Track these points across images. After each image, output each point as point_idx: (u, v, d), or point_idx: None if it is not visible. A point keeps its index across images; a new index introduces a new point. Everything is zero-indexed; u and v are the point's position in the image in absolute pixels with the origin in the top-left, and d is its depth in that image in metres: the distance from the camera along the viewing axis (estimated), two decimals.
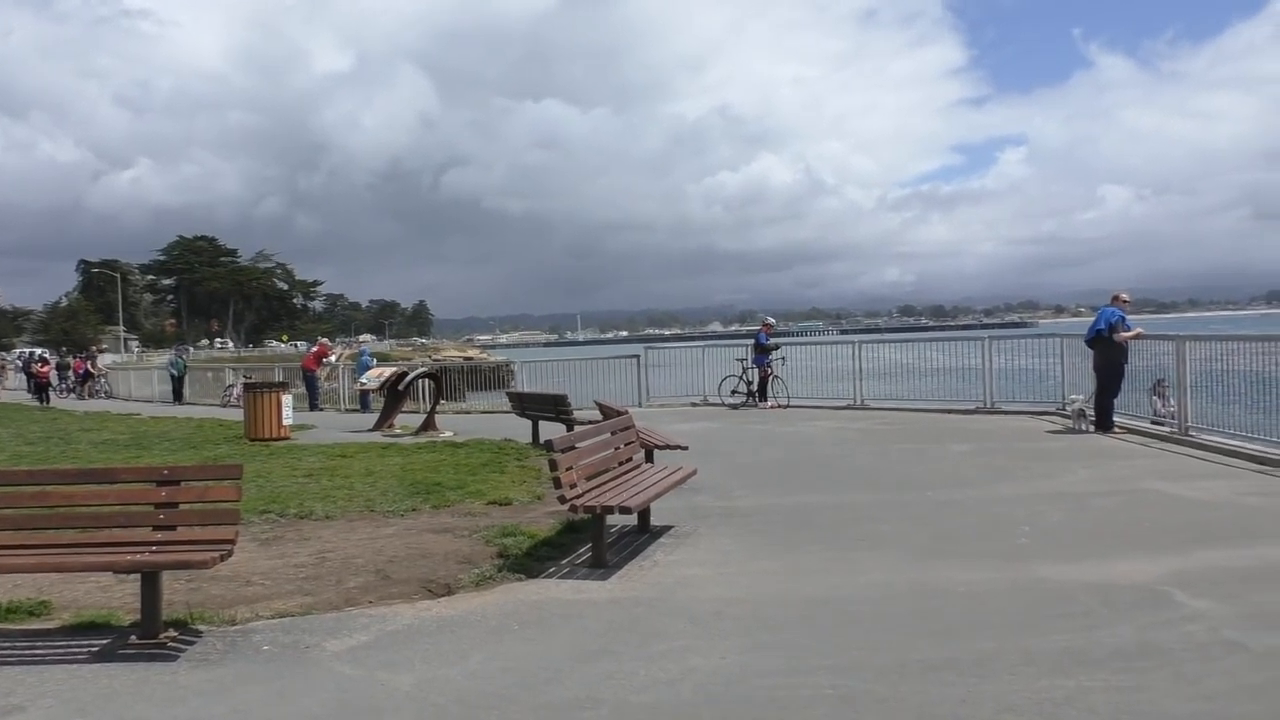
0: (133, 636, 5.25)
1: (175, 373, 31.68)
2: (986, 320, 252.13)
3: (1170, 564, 6.08)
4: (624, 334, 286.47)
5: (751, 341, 19.77)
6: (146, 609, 5.24)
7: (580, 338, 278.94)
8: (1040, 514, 7.70)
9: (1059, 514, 7.70)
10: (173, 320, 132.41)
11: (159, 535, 5.32)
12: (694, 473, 8.27)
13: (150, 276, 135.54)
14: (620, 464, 7.80)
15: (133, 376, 37.41)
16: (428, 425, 16.51)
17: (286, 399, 16.63)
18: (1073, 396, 13.71)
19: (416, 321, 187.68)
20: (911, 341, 20.10)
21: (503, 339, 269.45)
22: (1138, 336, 12.65)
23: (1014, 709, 4.02)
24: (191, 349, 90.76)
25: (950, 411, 16.16)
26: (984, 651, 4.66)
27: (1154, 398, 12.83)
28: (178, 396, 30.81)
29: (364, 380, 19.61)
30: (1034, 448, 11.69)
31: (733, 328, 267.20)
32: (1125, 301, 13.04)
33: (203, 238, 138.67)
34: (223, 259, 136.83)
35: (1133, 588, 5.62)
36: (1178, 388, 11.71)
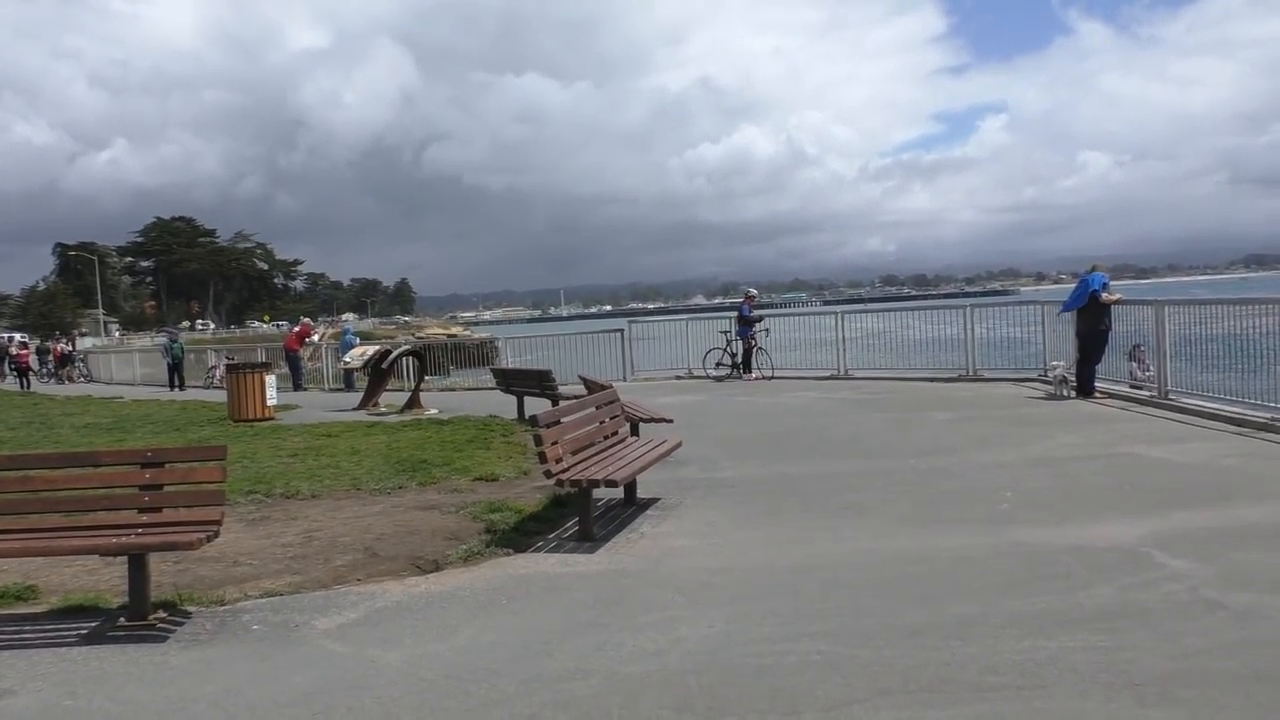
0: (121, 619, 5.25)
1: (171, 358, 28.47)
2: (968, 288, 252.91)
3: (1150, 526, 6.16)
4: (608, 308, 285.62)
5: (735, 314, 19.81)
6: (134, 591, 5.23)
7: (564, 313, 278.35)
8: (1022, 479, 7.77)
9: (1041, 479, 7.78)
10: (152, 302, 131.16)
11: (144, 518, 5.30)
12: (679, 445, 8.30)
13: (128, 259, 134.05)
14: (606, 438, 7.81)
15: (113, 360, 37.10)
16: (412, 403, 16.47)
17: (270, 379, 16.55)
18: (1054, 363, 13.81)
19: (399, 299, 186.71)
20: (894, 311, 20.19)
21: (486, 316, 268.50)
22: (1118, 301, 12.74)
23: (997, 670, 4.07)
24: (155, 334, 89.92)
25: (933, 380, 16.24)
26: (967, 615, 4.72)
27: (1131, 363, 12.95)
28: (176, 383, 27.99)
29: (347, 359, 19.52)
30: (1016, 414, 11.78)
31: (716, 300, 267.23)
32: (1105, 269, 13.16)
33: (181, 218, 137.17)
34: (201, 240, 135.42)
35: (1114, 549, 5.69)
36: (1157, 353, 11.82)
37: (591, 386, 10.79)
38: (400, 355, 18.72)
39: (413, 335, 67.04)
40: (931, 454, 9.21)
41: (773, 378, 18.38)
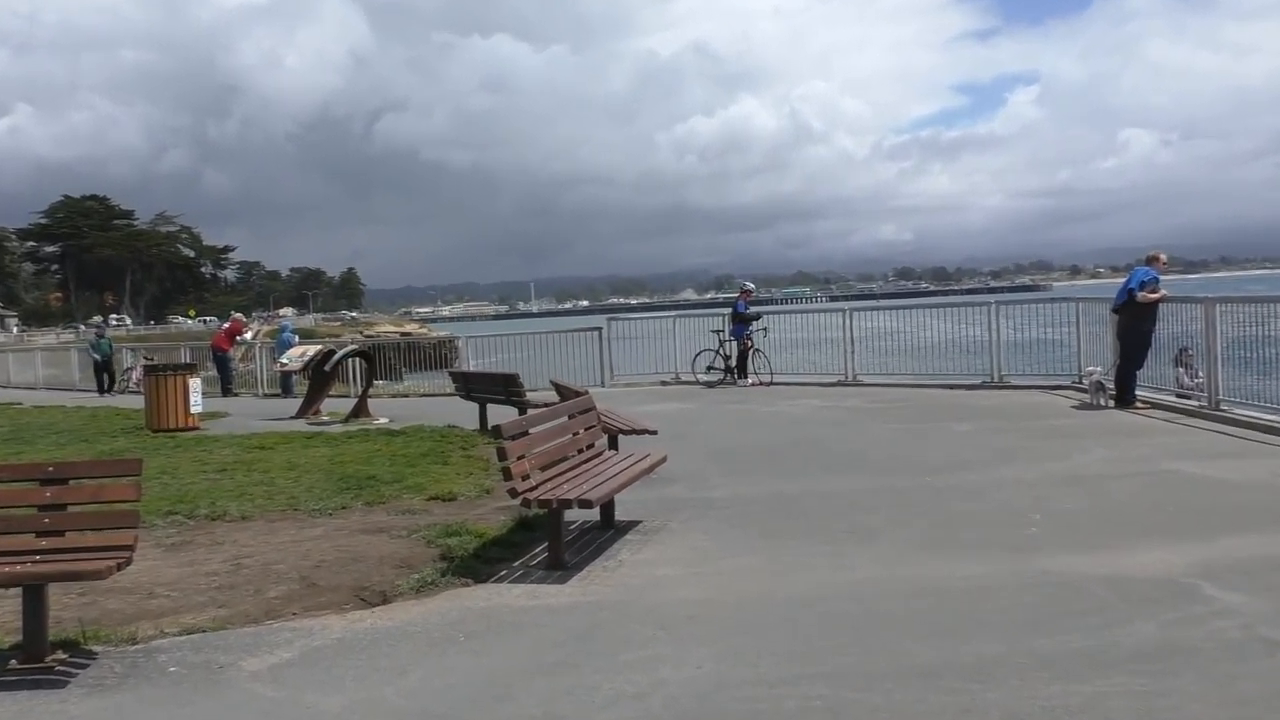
0: (13, 660, 5.18)
1: (98, 356, 27.59)
2: (994, 283, 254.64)
3: (1197, 554, 6.19)
4: (584, 304, 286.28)
5: (729, 311, 19.83)
6: (30, 628, 5.16)
7: (534, 309, 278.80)
8: (1051, 499, 7.81)
9: (1073, 499, 7.82)
10: (58, 294, 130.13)
11: (44, 542, 5.24)
12: (664, 460, 8.30)
13: (30, 243, 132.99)
14: (580, 451, 7.80)
15: (11, 360, 36.73)
16: (359, 411, 16.43)
17: (195, 383, 16.47)
18: (1090, 368, 13.91)
19: (345, 292, 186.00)
20: (909, 308, 20.20)
21: (445, 311, 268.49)
22: (1162, 299, 12.81)
23: (1022, 718, 4.08)
24: (84, 326, 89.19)
25: (953, 387, 16.33)
26: (988, 655, 4.73)
27: (1177, 369, 13.05)
28: (104, 386, 27.27)
29: (285, 360, 19.45)
30: (1046, 425, 11.85)
31: (708, 295, 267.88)
32: (1162, 262, 13.14)
33: (93, 197, 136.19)
34: (117, 222, 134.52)
35: (1154, 581, 5.72)
36: (1207, 357, 11.89)
37: (564, 393, 10.77)
38: (346, 356, 18.66)
39: (360, 333, 66.79)
40: (949, 470, 9.25)
41: (772, 383, 18.43)
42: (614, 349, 20.66)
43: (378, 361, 21.30)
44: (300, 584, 6.41)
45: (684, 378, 19.83)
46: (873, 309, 20.89)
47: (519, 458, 6.66)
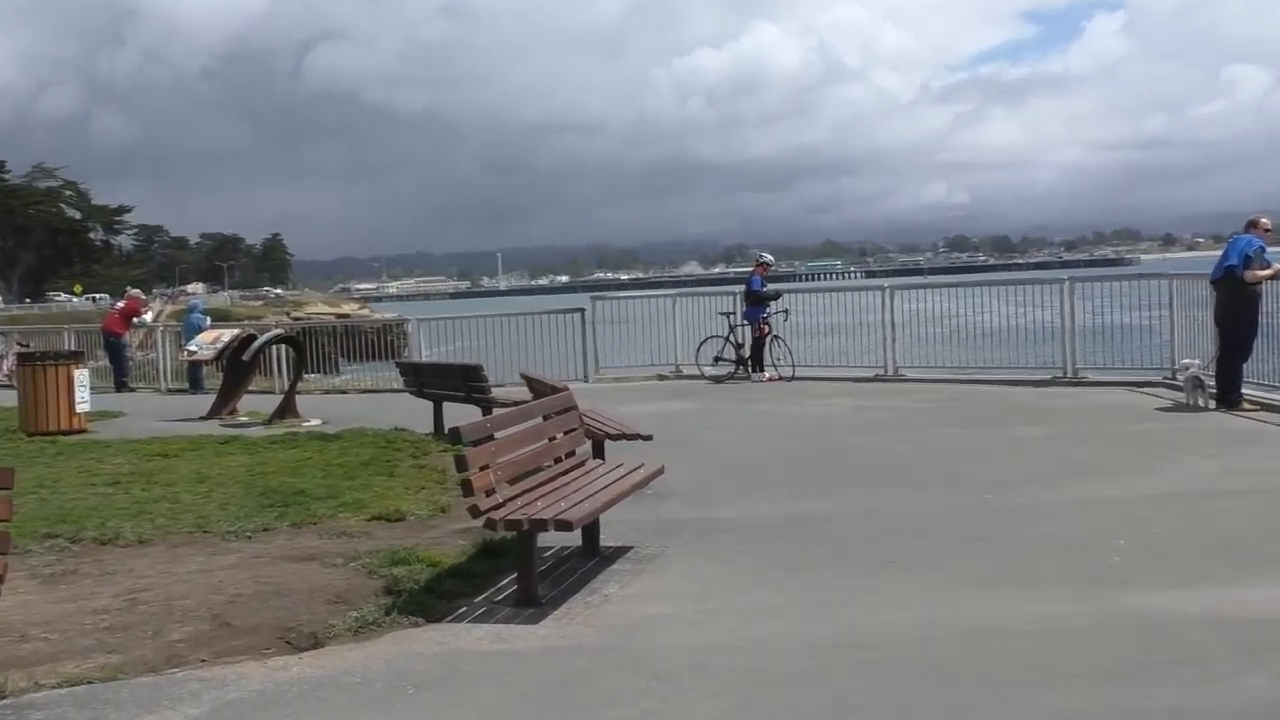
0: None
1: None
2: (1067, 256, 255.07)
3: None
4: (563, 279, 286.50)
5: (741, 288, 19.84)
6: None
7: (501, 285, 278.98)
8: (1140, 522, 7.83)
9: (1166, 522, 7.83)
10: None
11: None
12: (661, 471, 8.29)
13: None
14: (557, 461, 7.78)
15: None
16: (285, 410, 16.40)
17: (81, 375, 16.39)
18: (1186, 361, 13.93)
19: (269, 264, 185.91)
20: (964, 286, 20.28)
21: (392, 288, 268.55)
22: (1275, 275, 12.84)
23: None
24: None
25: (1017, 383, 16.37)
26: (1063, 713, 4.73)
27: None
28: None
29: (194, 348, 19.40)
30: (1132, 431, 11.87)
31: (716, 270, 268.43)
32: (1266, 229, 13.19)
33: None
34: None
35: (1268, 623, 5.73)
36: None
37: (538, 389, 10.75)
38: (269, 343, 18.61)
39: (287, 315, 66.69)
40: (1013, 486, 9.27)
41: (794, 378, 18.44)
42: (600, 335, 20.64)
43: (309, 350, 21.23)
44: (211, 623, 6.38)
45: (686, 371, 19.83)
46: (919, 287, 20.99)
47: (482, 468, 6.63)
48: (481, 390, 13.45)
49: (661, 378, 19.85)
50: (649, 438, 10.15)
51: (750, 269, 20.60)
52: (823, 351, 19.61)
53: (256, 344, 17.87)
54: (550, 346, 20.79)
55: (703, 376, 19.32)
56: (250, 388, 18.45)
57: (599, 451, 9.86)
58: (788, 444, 12.19)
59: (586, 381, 19.62)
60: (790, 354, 18.92)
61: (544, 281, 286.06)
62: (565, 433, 8.05)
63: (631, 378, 19.92)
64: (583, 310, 20.81)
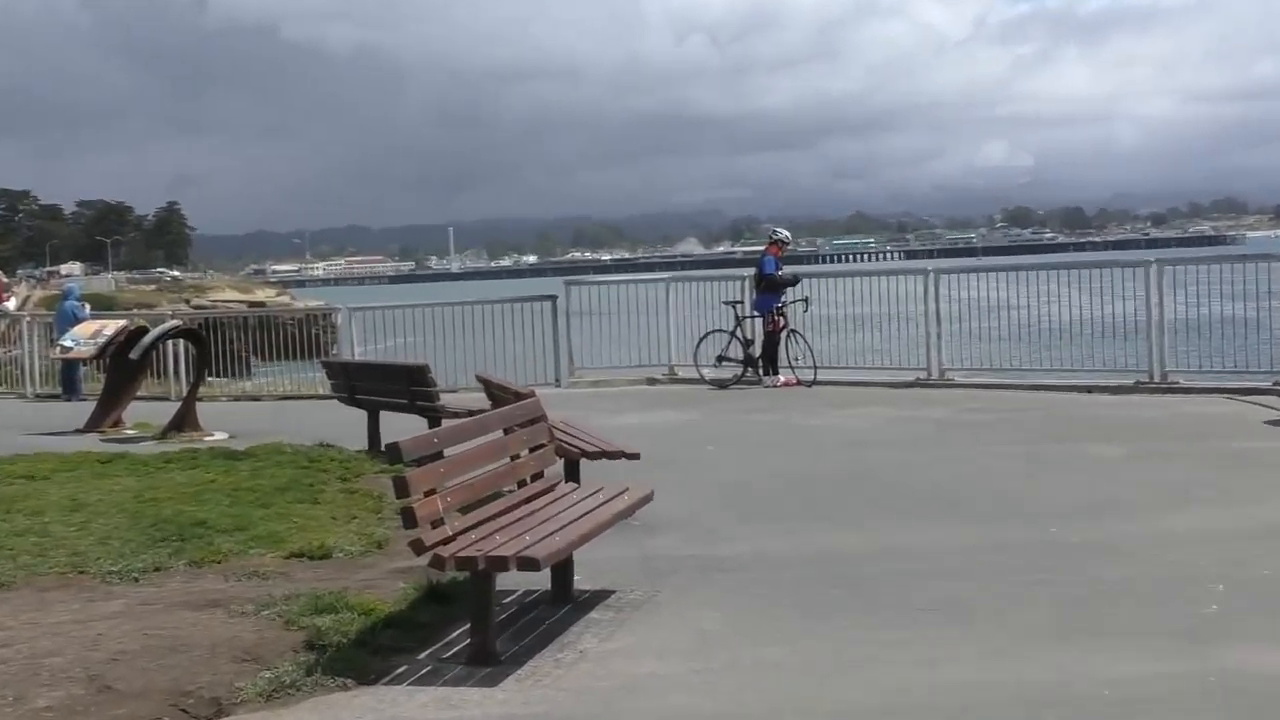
0: None
1: None
2: (1155, 233, 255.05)
3: None
4: (530, 260, 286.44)
5: (751, 272, 19.84)
6: None
7: (454, 266, 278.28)
8: (1243, 563, 7.81)
9: (1276, 563, 7.83)
10: None
11: None
12: (650, 498, 8.26)
13: None
14: (521, 484, 7.76)
15: None
16: (184, 421, 16.33)
17: None
18: None
19: (164, 240, 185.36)
20: (1027, 270, 20.23)
21: (318, 270, 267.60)
22: None
23: None
24: None
25: (1091, 389, 16.41)
26: None
27: None
28: None
29: (69, 343, 19.31)
30: (1236, 450, 11.89)
31: (719, 249, 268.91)
32: None
33: None
34: None
35: None
36: None
37: (498, 395, 10.73)
38: (164, 338, 18.56)
39: (187, 303, 66.62)
40: (1086, 517, 9.26)
41: (815, 382, 18.46)
42: (576, 329, 20.65)
43: (213, 346, 21.16)
44: (87, 687, 6.33)
45: (682, 373, 19.82)
46: (971, 271, 20.94)
47: (427, 493, 6.60)
48: (428, 397, 13.40)
49: (652, 381, 19.83)
50: (635, 456, 10.12)
51: (762, 248, 20.59)
52: (851, 350, 19.62)
53: (148, 339, 17.78)
54: (514, 343, 20.77)
55: (703, 380, 19.31)
56: (139, 393, 18.38)
57: (573, 473, 9.82)
58: (806, 464, 12.16)
59: (559, 386, 19.58)
60: (811, 353, 18.92)
61: (506, 262, 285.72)
62: (531, 449, 8.02)
63: (614, 381, 19.89)
64: (554, 298, 20.78)
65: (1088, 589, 7.43)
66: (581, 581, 7.78)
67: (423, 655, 6.69)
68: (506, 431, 7.95)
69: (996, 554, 8.31)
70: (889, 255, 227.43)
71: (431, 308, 22.49)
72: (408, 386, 13.69)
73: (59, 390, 23.40)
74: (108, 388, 17.96)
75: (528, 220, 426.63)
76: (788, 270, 19.90)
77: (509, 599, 7.55)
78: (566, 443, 9.89)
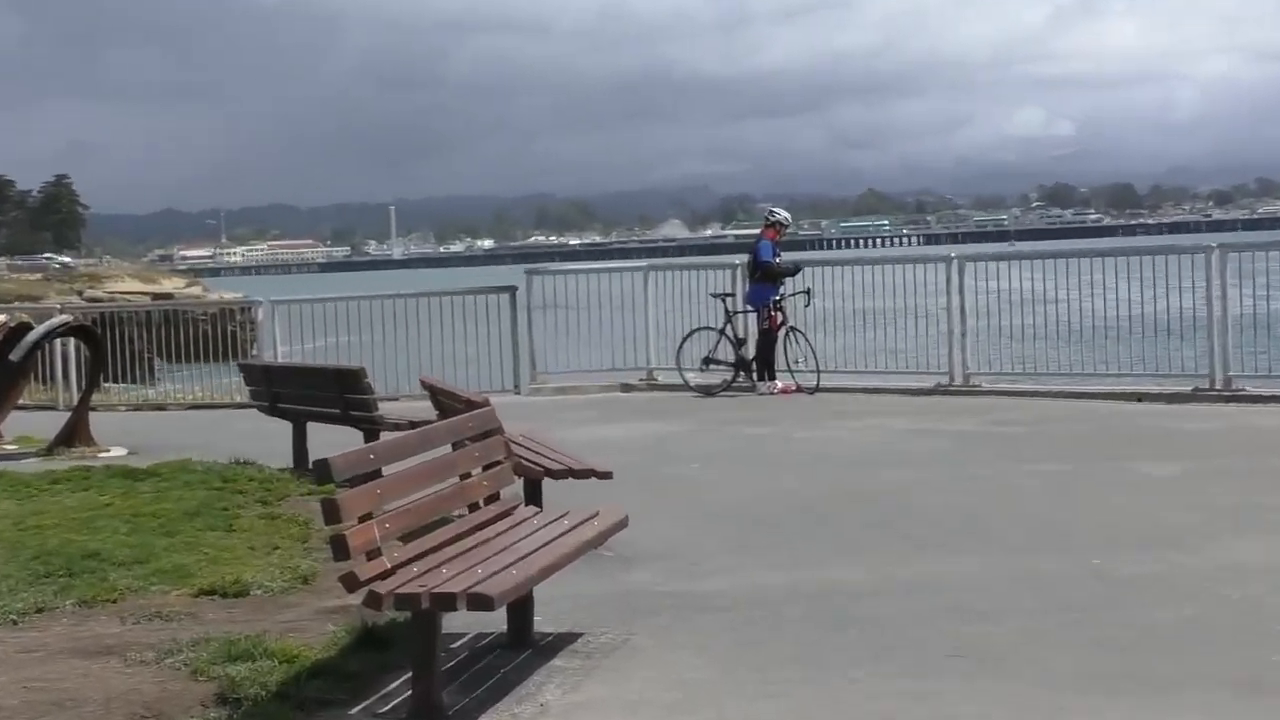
0: None
1: None
2: (1219, 214, 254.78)
3: None
4: (485, 245, 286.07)
5: (744, 259, 19.84)
6: None
7: (396, 252, 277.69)
8: None
9: None
10: None
11: None
12: (624, 524, 8.25)
13: None
14: (473, 508, 7.73)
15: None
16: (75, 434, 16.26)
17: None
18: None
19: (52, 219, 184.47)
20: (1067, 257, 20.28)
21: (235, 256, 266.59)
22: None
23: None
24: None
25: (1142, 397, 16.48)
26: None
27: None
28: None
29: None
30: None
31: (708, 232, 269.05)
32: None
33: None
34: None
35: None
36: None
37: (446, 403, 10.72)
38: (51, 336, 18.47)
39: (80, 295, 66.35)
40: (1133, 547, 9.28)
41: (818, 389, 18.50)
42: (539, 325, 20.67)
43: (110, 346, 21.08)
44: None
45: (663, 378, 19.87)
46: (1001, 258, 21.02)
47: (362, 519, 6.57)
48: (364, 405, 13.36)
49: (627, 388, 19.84)
50: (608, 475, 10.11)
51: (757, 231, 20.63)
52: (860, 351, 19.66)
53: (31, 337, 17.67)
54: (466, 342, 20.80)
55: (687, 386, 19.35)
56: (21, 401, 18.29)
57: (535, 495, 9.80)
58: (807, 484, 12.16)
59: (518, 393, 19.58)
60: (814, 354, 18.96)
61: (458, 247, 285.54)
62: (485, 467, 7.99)
63: (584, 388, 19.89)
64: (513, 290, 20.80)
65: (1138, 632, 7.43)
66: (543, 623, 7.78)
67: (355, 710, 6.66)
68: (456, 446, 7.93)
69: (1031, 591, 8.30)
70: (906, 240, 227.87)
71: (369, 301, 22.53)
72: (340, 394, 13.65)
73: None
74: None
75: (483, 198, 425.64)
76: (787, 258, 19.91)
77: (458, 643, 7.53)
78: (527, 459, 9.87)
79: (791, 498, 11.61)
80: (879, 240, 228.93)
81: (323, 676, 7.07)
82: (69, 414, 17.12)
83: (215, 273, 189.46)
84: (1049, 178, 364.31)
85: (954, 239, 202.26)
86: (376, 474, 6.91)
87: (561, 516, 8.06)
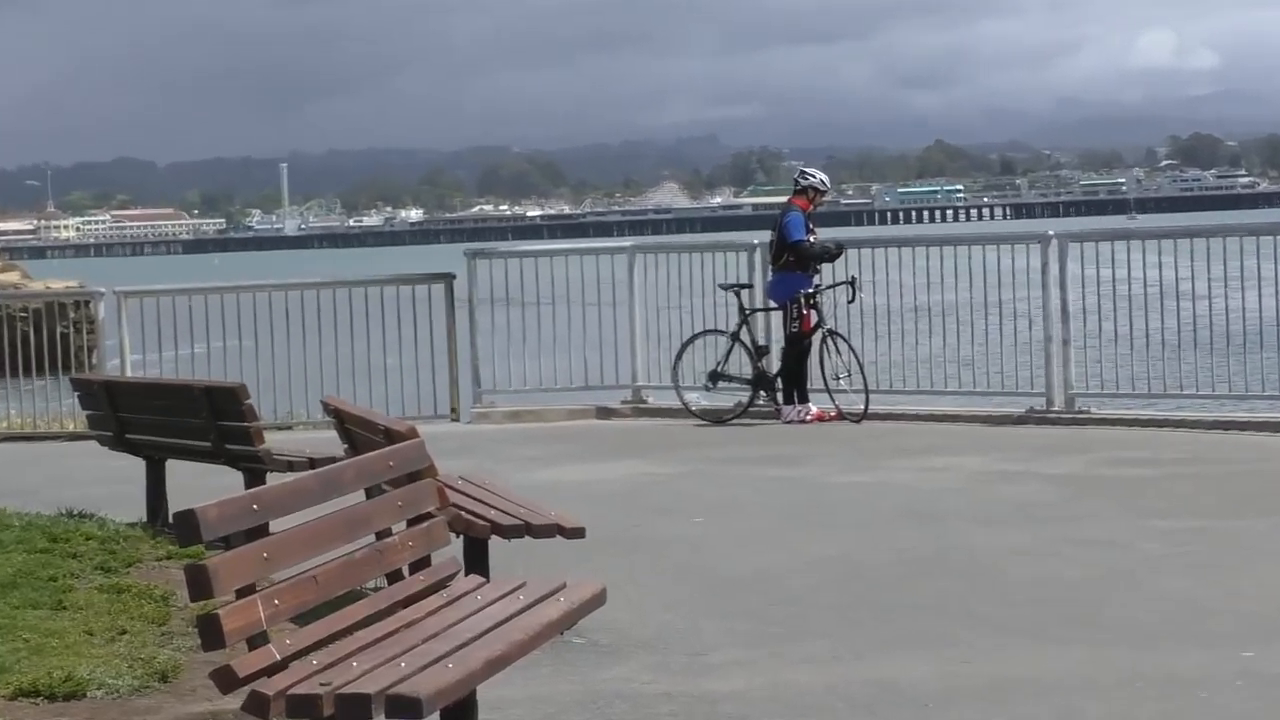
0: None
1: None
2: None
3: None
4: (413, 216, 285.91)
5: (766, 238, 19.85)
6: None
7: (287, 226, 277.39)
8: None
9: None
10: None
11: None
12: (601, 599, 8.27)
13: None
14: (395, 578, 7.73)
15: None
16: None
17: None
18: None
19: None
20: (1207, 236, 20.25)
21: (68, 228, 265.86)
22: None
23: None
24: None
25: None
26: None
27: None
28: None
29: None
30: None
31: (715, 200, 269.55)
32: None
33: None
34: None
35: None
36: None
37: (358, 434, 10.72)
38: None
39: None
40: None
41: (866, 415, 18.57)
42: (486, 328, 20.72)
43: None
44: None
45: (654, 399, 19.95)
46: (1119, 238, 20.97)
47: (242, 592, 6.58)
48: (244, 437, 13.34)
49: (606, 413, 19.90)
50: (579, 533, 10.13)
51: (784, 200, 20.66)
52: (925, 363, 19.69)
53: None
54: (385, 351, 20.85)
55: (688, 411, 19.45)
56: None
57: (479, 560, 9.83)
58: (852, 548, 12.13)
59: (457, 420, 19.65)
60: (860, 368, 19.01)
61: (374, 220, 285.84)
62: (411, 522, 7.98)
63: (547, 413, 19.96)
64: (450, 278, 20.93)
65: None
66: None
67: None
68: (371, 493, 7.93)
69: (1161, 697, 8.29)
70: (987, 212, 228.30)
71: (252, 293, 22.47)
72: (212, 420, 13.63)
73: None
74: None
75: (409, 153, 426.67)
76: (824, 236, 19.94)
77: None
78: (468, 511, 9.88)
79: (830, 566, 11.59)
80: (949, 212, 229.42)
81: None
82: None
83: (40, 253, 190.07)
84: (1184, 127, 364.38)
85: (1053, 210, 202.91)
86: (262, 531, 6.91)
87: (516, 590, 8.06)
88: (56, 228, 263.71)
